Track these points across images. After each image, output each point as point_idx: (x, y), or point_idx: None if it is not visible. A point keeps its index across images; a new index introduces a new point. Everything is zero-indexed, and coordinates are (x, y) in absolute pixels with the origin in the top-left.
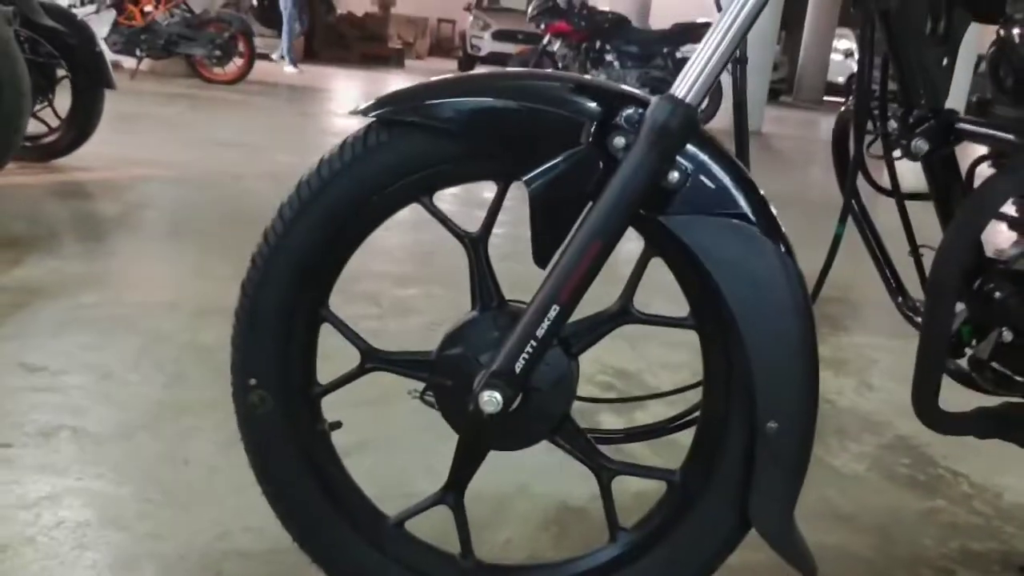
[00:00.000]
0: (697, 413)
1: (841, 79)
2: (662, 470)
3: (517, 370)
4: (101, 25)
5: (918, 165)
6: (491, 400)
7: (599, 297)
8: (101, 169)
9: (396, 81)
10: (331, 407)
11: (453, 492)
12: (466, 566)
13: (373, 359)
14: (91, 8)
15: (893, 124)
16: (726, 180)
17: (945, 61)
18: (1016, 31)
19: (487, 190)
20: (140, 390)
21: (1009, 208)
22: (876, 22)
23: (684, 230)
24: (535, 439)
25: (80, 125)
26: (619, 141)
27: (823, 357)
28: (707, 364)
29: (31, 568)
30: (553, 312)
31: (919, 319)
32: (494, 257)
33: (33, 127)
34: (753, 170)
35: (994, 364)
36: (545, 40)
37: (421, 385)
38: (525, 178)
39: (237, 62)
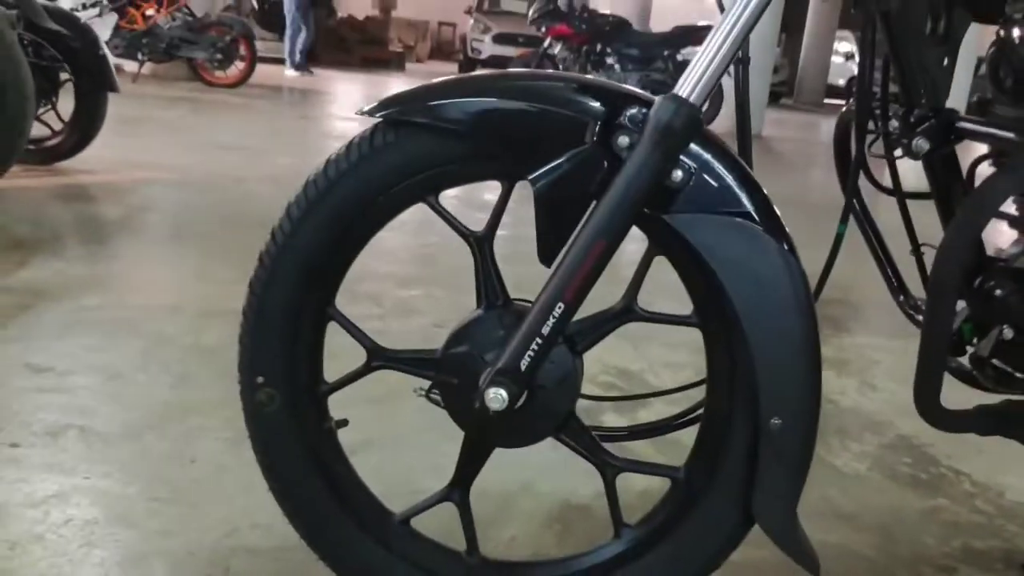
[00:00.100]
0: (701, 411)
1: (842, 81)
2: (666, 467)
3: (522, 368)
4: (103, 29)
5: (919, 164)
6: (496, 397)
7: (603, 296)
8: (104, 172)
9: (397, 84)
10: (338, 405)
11: (459, 489)
12: (471, 563)
13: (379, 357)
14: (94, 11)
15: (894, 123)
16: (729, 179)
17: (945, 61)
18: (1016, 31)
19: (487, 192)
20: (146, 390)
21: (1009, 207)
22: (877, 23)
23: (688, 229)
24: (540, 436)
25: (83, 128)
26: (623, 140)
27: (825, 358)
28: (710, 362)
29: (40, 565)
30: (558, 310)
31: (920, 317)
32: None
33: (36, 130)
34: (755, 171)
35: (995, 362)
36: (546, 43)
37: (427, 383)
38: (530, 177)
39: (239, 65)
